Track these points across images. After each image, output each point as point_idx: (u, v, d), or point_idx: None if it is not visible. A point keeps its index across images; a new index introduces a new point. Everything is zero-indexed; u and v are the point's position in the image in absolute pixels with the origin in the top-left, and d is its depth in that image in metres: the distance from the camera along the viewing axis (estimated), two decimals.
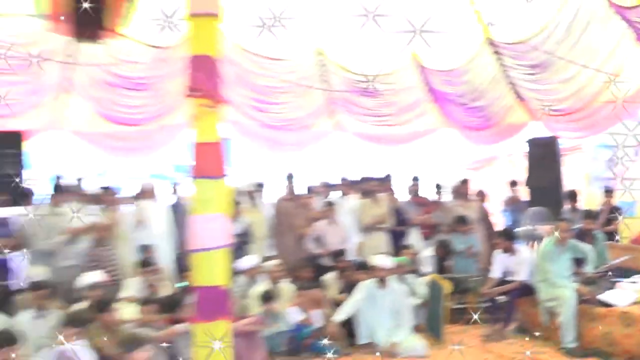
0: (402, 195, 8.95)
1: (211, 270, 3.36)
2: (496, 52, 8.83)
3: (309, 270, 7.22)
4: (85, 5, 4.68)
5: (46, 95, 8.34)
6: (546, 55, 8.16)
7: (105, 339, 4.89)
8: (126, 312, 5.53)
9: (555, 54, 7.98)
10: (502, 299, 6.96)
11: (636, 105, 8.24)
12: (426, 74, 9.46)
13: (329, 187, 8.40)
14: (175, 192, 8.37)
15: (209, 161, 3.35)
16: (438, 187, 9.35)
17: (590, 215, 8.01)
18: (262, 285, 6.49)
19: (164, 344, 5.15)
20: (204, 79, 3.33)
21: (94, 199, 7.63)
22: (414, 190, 8.98)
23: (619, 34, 7.49)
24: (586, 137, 9.68)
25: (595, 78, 8.05)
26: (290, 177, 8.42)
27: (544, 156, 9.54)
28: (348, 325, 6.42)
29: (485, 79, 9.25)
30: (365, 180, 8.59)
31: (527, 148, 9.99)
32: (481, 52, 8.89)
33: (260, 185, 8.70)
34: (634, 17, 6.83)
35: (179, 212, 7.68)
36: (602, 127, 8.65)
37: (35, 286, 5.52)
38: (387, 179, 8.84)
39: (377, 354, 6.16)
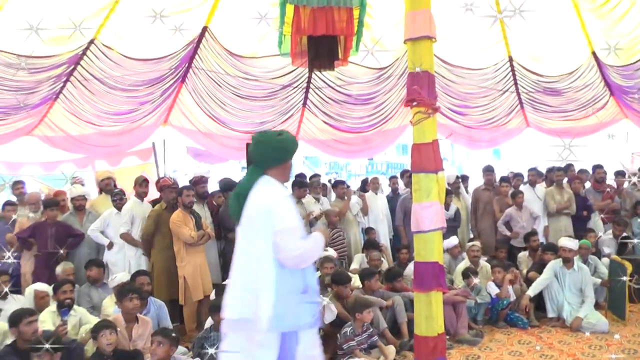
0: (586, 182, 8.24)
1: (429, 249, 3.36)
2: None
3: (503, 250, 7.00)
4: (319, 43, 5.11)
5: (290, 114, 8.92)
6: None
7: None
8: (354, 281, 5.73)
9: None
10: None
11: None
12: (604, 70, 8.64)
13: (519, 177, 8.01)
14: (391, 185, 8.45)
15: (426, 158, 3.36)
16: (619, 174, 8.50)
17: None
18: (463, 263, 6.38)
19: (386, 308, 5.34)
20: (421, 90, 3.34)
21: (328, 191, 8.10)
22: (597, 178, 8.22)
23: None
24: None
25: None
26: (487, 169, 8.14)
27: None
28: (538, 300, 6.11)
29: None
30: (550, 170, 8.04)
31: None
32: None
33: (463, 178, 8.57)
34: None
35: (394, 201, 7.78)
36: None
37: None
38: (569, 168, 8.18)
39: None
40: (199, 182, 6.54)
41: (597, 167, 8.25)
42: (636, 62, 8.16)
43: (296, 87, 8.43)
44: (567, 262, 6.01)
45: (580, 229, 7.29)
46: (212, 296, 5.28)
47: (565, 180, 7.75)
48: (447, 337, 5.33)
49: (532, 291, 5.98)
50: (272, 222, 2.81)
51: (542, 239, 7.34)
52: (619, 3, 7.42)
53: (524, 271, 6.59)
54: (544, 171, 8.24)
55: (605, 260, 6.57)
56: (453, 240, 6.69)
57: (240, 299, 2.88)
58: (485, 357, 4.92)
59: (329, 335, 4.89)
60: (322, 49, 5.34)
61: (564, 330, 5.74)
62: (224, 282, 5.48)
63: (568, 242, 6.10)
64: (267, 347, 2.83)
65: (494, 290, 5.90)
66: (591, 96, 9.11)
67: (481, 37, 8.37)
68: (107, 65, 7.36)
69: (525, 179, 7.93)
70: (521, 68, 8.90)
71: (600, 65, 8.62)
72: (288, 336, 2.89)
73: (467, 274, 5.96)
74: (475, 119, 9.43)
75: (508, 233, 7.34)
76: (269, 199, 2.87)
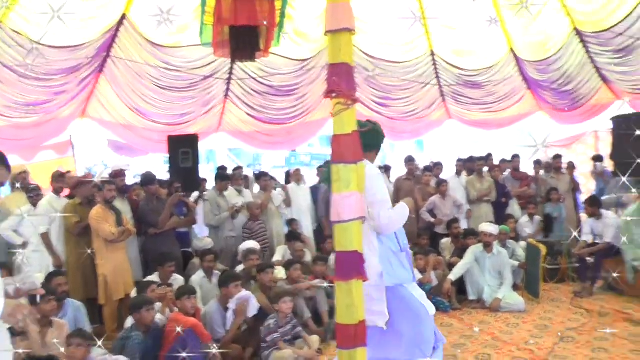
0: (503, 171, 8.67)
1: (349, 238, 3.37)
2: (583, 41, 8.26)
3: (425, 237, 7.19)
4: (240, 33, 5.00)
5: (211, 105, 8.76)
6: (631, 39, 7.52)
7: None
8: (277, 273, 5.74)
9: None
10: (590, 259, 6.58)
11: None
12: (521, 64, 9.04)
13: (439, 166, 8.28)
14: (315, 176, 8.51)
15: (345, 149, 3.37)
16: (536, 162, 8.99)
17: None
18: None
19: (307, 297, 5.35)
20: (340, 82, 3.34)
21: (251, 183, 8.02)
22: (514, 167, 8.65)
23: None
24: None
25: None
26: (408, 159, 8.35)
27: (629, 131, 8.83)
28: (459, 284, 6.36)
29: (573, 65, 8.67)
30: (470, 160, 8.39)
31: (612, 125, 9.30)
32: (570, 41, 8.33)
33: (385, 168, 8.73)
34: None
35: (317, 192, 7.82)
36: None
37: (205, 253, 5.80)
38: (488, 157, 8.58)
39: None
40: (118, 175, 6.34)
41: (515, 157, 8.69)
42: (549, 57, 8.60)
43: (218, 78, 8.27)
44: (487, 247, 6.30)
45: (500, 215, 7.67)
46: (133, 294, 5.11)
47: (486, 169, 8.11)
48: None
49: (453, 275, 6.21)
50: (366, 194, 3.28)
51: (465, 225, 7.65)
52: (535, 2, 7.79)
53: (447, 257, 6.83)
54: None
55: (523, 243, 6.93)
56: None
57: None
58: None
59: (253, 328, 4.87)
60: (244, 40, 5.26)
61: (484, 311, 6.03)
62: (145, 280, 5.36)
63: (488, 227, 6.41)
64: (378, 300, 3.43)
65: (416, 276, 6.05)
66: (509, 89, 9.54)
67: (404, 32, 8.54)
68: (17, 52, 6.86)
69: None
70: (443, 62, 9.17)
71: (518, 60, 9.03)
72: (390, 291, 3.45)
73: None
74: (397, 111, 9.65)
75: (432, 220, 7.57)
76: (368, 175, 3.37)
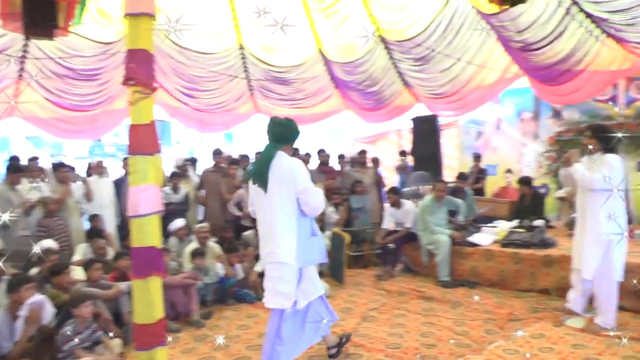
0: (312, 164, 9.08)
1: (145, 234, 3.23)
2: (387, 48, 8.93)
3: (230, 230, 7.21)
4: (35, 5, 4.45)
5: (2, 86, 7.75)
6: (427, 50, 8.31)
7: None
8: (77, 274, 5.29)
9: (435, 49, 8.16)
10: (391, 245, 7.20)
11: (497, 90, 8.66)
12: (330, 65, 9.48)
13: (246, 159, 8.36)
14: (121, 168, 7.99)
15: (143, 140, 3.22)
16: (340, 157, 9.54)
17: (462, 176, 8.41)
18: (191, 245, 6.35)
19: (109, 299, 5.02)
20: (139, 69, 3.18)
21: (48, 175, 7.25)
22: (321, 161, 9.07)
23: (484, 34, 7.76)
24: (459, 115, 10.03)
25: (466, 69, 8.37)
26: (215, 152, 8.27)
27: (426, 131, 9.81)
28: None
29: (378, 69, 9.34)
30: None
31: (412, 125, 10.23)
32: (375, 47, 8.95)
33: (192, 160, 8.53)
34: (495, 22, 7.05)
35: (122, 185, 7.34)
36: (472, 107, 9.04)
37: None
38: (296, 152, 8.84)
39: None
40: None
41: (321, 151, 9.14)
42: (356, 60, 9.16)
43: (9, 55, 7.31)
44: None
45: None
46: None
47: None
48: (177, 320, 5.37)
49: (258, 267, 6.29)
50: (294, 182, 3.67)
51: None
52: (343, 7, 8.20)
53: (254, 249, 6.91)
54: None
55: (329, 232, 7.31)
56: (178, 223, 6.66)
57: (269, 243, 3.74)
58: (214, 335, 5.01)
59: (48, 337, 4.35)
60: (39, 14, 4.70)
61: None
62: None
63: None
64: (289, 282, 3.72)
65: (221, 270, 6.08)
66: (317, 87, 9.95)
67: (214, 23, 8.41)
68: None
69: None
70: (252, 56, 9.19)
71: (327, 61, 9.45)
72: (300, 271, 3.82)
73: (195, 254, 5.99)
74: (205, 103, 9.47)
75: (239, 213, 7.63)
76: (291, 165, 3.73)
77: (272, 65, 9.30)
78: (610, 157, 4.50)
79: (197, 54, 8.67)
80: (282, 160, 3.75)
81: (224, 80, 9.28)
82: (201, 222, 7.26)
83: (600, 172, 4.42)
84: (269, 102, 10.03)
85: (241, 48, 9.03)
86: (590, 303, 4.79)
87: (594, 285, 4.62)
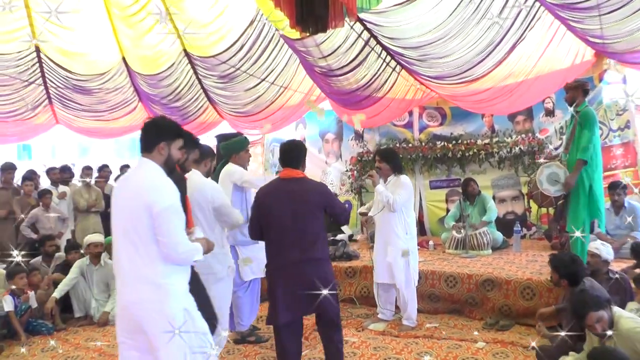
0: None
1: None
2: (191, 63, 8.80)
3: (23, 254, 6.34)
4: None
5: None
6: (232, 68, 8.37)
7: None
8: None
9: (240, 68, 8.26)
10: None
11: (302, 111, 9.08)
12: (133, 76, 9.02)
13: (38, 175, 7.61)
14: None
15: None
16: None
17: None
18: None
19: None
20: None
21: None
22: (106, 176, 8.68)
23: (289, 56, 8.08)
24: (265, 133, 10.26)
25: (271, 89, 8.61)
26: (6, 167, 7.35)
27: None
28: (64, 302, 5.89)
29: (182, 84, 9.14)
30: (64, 169, 8.21)
31: (216, 140, 10.15)
32: (179, 61, 8.76)
33: None
34: (298, 46, 7.40)
35: None
36: (279, 126, 9.35)
37: None
38: (103, 168, 8.53)
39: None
40: None
41: (105, 167, 8.77)
42: (160, 73, 8.85)
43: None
44: (95, 258, 6.00)
45: (108, 224, 7.47)
46: None
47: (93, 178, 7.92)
48: None
49: (57, 293, 5.75)
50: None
51: (72, 238, 7.16)
52: (146, 17, 7.88)
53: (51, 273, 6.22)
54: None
55: None
56: None
57: None
58: None
59: None
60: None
61: (91, 327, 5.71)
62: None
63: (94, 238, 6.13)
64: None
65: (9, 303, 5.32)
66: (121, 99, 9.42)
67: (3, 20, 7.51)
68: None
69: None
70: (49, 61, 8.44)
71: (130, 72, 8.98)
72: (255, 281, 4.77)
73: None
74: None
75: (34, 236, 6.82)
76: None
77: (72, 72, 8.67)
78: (404, 178, 5.02)
79: None
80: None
81: (18, 85, 8.45)
82: None
83: (398, 194, 4.89)
84: (69, 113, 9.31)
85: (38, 50, 8.28)
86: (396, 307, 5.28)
87: (400, 292, 5.06)
